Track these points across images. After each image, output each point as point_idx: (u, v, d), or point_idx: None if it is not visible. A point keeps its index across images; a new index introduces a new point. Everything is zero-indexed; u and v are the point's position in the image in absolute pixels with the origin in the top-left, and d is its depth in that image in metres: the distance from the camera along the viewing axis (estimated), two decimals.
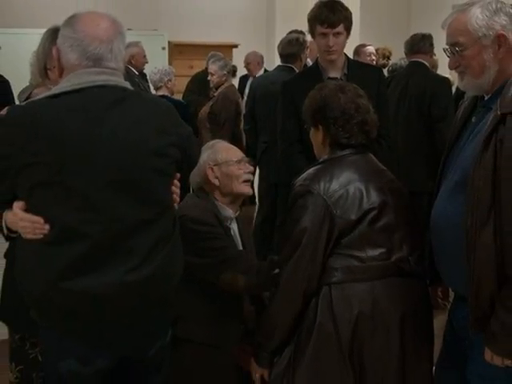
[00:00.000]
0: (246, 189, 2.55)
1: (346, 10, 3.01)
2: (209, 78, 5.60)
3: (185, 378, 2.39)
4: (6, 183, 1.84)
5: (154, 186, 1.91)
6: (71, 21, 1.89)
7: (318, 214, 2.05)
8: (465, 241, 1.84)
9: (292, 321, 2.09)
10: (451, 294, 2.20)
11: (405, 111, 4.37)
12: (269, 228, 4.82)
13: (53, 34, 2.17)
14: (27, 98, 2.37)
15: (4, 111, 1.99)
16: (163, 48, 8.21)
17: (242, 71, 7.41)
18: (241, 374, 2.45)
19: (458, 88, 4.83)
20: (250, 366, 2.29)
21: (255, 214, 5.35)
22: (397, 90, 4.44)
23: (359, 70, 3.15)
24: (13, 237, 1.93)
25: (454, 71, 2.00)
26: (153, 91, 5.49)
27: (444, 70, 3.11)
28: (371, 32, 7.61)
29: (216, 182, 2.51)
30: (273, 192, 4.77)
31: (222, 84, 5.51)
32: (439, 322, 2.33)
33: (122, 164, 1.83)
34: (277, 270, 2.15)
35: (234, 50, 8.36)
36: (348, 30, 3.02)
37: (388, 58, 6.44)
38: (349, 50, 3.84)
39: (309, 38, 4.08)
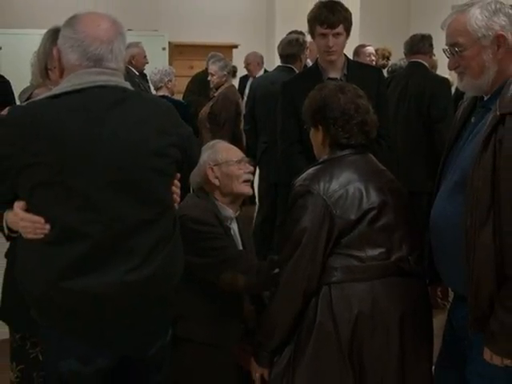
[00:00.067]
0: (246, 189, 2.55)
1: (346, 10, 3.02)
2: (209, 78, 5.60)
3: (185, 377, 2.40)
4: (6, 183, 1.85)
5: (154, 186, 1.92)
6: (72, 21, 1.89)
7: (317, 214, 2.05)
8: (464, 241, 1.84)
9: (292, 320, 2.10)
10: (451, 294, 2.21)
11: (404, 111, 4.37)
12: (269, 228, 4.82)
13: (53, 34, 2.17)
14: (28, 99, 2.37)
15: (5, 111, 1.99)
16: (163, 48, 8.23)
17: (242, 72, 7.42)
18: (241, 373, 2.45)
19: (457, 88, 4.84)
20: (250, 365, 2.29)
21: (255, 214, 5.35)
22: (396, 90, 4.45)
23: (359, 70, 3.15)
24: (13, 237, 1.94)
25: (453, 72, 2.01)
26: (153, 91, 5.49)
27: (443, 70, 3.11)
28: (371, 32, 7.61)
29: (216, 181, 2.52)
30: (273, 192, 4.78)
31: (222, 84, 5.52)
32: (439, 321, 2.33)
33: (123, 164, 1.84)
34: (277, 270, 2.16)
35: (234, 50, 8.37)
36: (348, 30, 3.02)
37: (388, 59, 6.44)
38: (348, 51, 3.84)
39: (309, 38, 4.09)
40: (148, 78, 5.82)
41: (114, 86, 1.89)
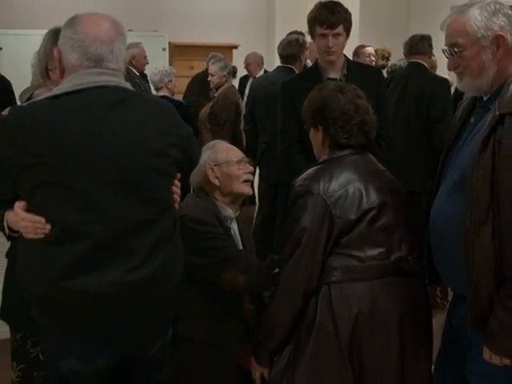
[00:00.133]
0: (246, 189, 2.56)
1: (346, 11, 3.02)
2: (209, 78, 5.61)
3: (185, 376, 2.40)
4: (7, 183, 1.85)
5: (154, 185, 1.92)
6: (72, 22, 1.90)
7: (317, 214, 2.06)
8: (463, 240, 1.85)
9: (292, 320, 2.10)
10: (450, 294, 2.21)
11: (404, 112, 4.37)
12: (269, 228, 4.83)
13: (54, 35, 2.18)
14: (29, 99, 2.38)
15: (6, 112, 2.00)
16: (164, 49, 8.23)
17: (242, 72, 7.42)
18: (241, 372, 2.45)
19: (456, 89, 4.83)
20: (250, 364, 2.29)
21: (255, 214, 5.35)
22: (396, 90, 4.45)
23: (358, 70, 3.16)
24: (14, 236, 1.94)
25: (452, 72, 2.01)
26: (153, 92, 5.50)
27: (443, 70, 3.11)
28: (370, 33, 7.61)
29: (216, 182, 2.52)
30: (273, 192, 4.78)
31: (222, 85, 5.52)
32: (438, 321, 2.34)
33: (123, 164, 1.84)
34: (277, 270, 2.16)
35: (234, 50, 8.37)
36: (347, 31, 3.03)
37: (387, 59, 6.44)
38: (348, 51, 3.85)
39: (308, 39, 4.09)
40: (148, 78, 5.83)
41: (115, 87, 1.89)
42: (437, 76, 4.71)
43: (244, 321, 2.56)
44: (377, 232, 2.09)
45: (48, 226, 1.82)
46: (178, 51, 8.37)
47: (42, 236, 1.83)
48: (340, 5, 3.03)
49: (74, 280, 1.82)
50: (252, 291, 2.60)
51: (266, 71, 6.63)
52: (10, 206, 1.88)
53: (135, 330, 1.95)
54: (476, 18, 1.88)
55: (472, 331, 1.91)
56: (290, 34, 5.31)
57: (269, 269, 2.27)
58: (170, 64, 7.65)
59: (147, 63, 6.38)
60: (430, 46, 4.57)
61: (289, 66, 4.80)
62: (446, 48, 1.96)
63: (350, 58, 3.81)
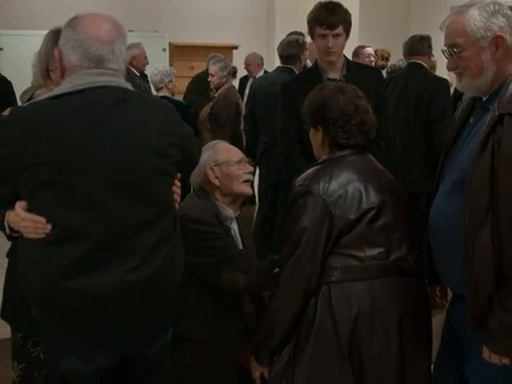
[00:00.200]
0: (246, 189, 2.56)
1: (346, 11, 3.03)
2: (209, 79, 5.61)
3: (185, 376, 2.41)
4: (8, 183, 1.86)
5: (154, 185, 1.93)
6: (73, 22, 1.90)
7: (317, 214, 2.06)
8: (463, 240, 1.85)
9: (292, 319, 2.11)
10: (449, 293, 2.21)
11: (403, 112, 4.38)
12: (269, 228, 4.83)
13: (55, 35, 2.18)
14: (29, 99, 2.38)
15: (6, 112, 2.00)
16: (164, 49, 8.25)
17: (242, 72, 7.42)
18: (241, 372, 2.46)
19: (456, 89, 4.82)
20: (250, 364, 2.30)
21: (255, 214, 5.36)
22: (395, 91, 4.46)
23: (358, 71, 3.16)
24: (15, 236, 1.95)
25: (452, 72, 2.01)
26: (154, 92, 5.50)
27: (442, 71, 3.11)
28: (370, 33, 7.61)
29: (216, 182, 2.52)
30: (273, 192, 4.79)
31: (223, 85, 5.53)
32: (437, 320, 2.34)
33: (123, 164, 1.85)
34: (277, 269, 2.16)
35: (235, 51, 8.38)
36: (347, 31, 3.03)
37: (387, 60, 6.44)
38: (348, 52, 3.85)
39: (308, 39, 4.09)
40: (149, 78, 5.83)
41: (115, 87, 1.90)
42: (436, 76, 4.71)
43: (244, 321, 2.56)
44: (376, 232, 2.09)
45: (49, 226, 1.83)
46: (178, 51, 8.39)
47: (43, 236, 1.83)
48: (340, 5, 3.04)
49: (74, 280, 1.82)
50: (252, 291, 2.60)
51: (266, 71, 6.64)
52: (11, 206, 1.88)
53: (135, 329, 1.95)
54: (475, 18, 1.88)
55: (471, 331, 1.91)
56: (290, 34, 5.32)
57: (269, 269, 2.27)
58: (171, 64, 7.67)
59: (147, 63, 6.38)
60: (430, 46, 4.57)
61: (289, 66, 4.81)
62: (445, 48, 1.97)
63: (350, 58, 3.82)
